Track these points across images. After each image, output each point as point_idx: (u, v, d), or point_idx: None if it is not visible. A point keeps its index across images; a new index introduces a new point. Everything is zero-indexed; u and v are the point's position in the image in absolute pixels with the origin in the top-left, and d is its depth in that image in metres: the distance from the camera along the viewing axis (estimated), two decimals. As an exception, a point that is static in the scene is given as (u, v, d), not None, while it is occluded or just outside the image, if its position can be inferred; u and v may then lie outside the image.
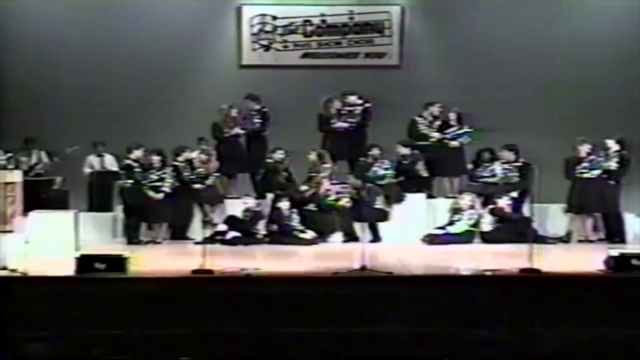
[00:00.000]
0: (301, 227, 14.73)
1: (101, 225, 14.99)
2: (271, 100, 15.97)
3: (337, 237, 14.86)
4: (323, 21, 17.29)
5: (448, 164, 15.70)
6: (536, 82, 16.79)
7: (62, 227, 13.57)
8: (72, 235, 13.52)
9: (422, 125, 15.77)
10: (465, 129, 15.63)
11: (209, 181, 15.07)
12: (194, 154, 15.19)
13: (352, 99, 15.90)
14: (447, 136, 15.69)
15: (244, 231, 14.67)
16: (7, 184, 14.22)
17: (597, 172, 14.71)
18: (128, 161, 14.91)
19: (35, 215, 13.89)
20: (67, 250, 12.77)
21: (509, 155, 15.25)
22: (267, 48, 17.30)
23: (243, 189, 15.65)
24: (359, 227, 14.48)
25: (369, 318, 10.54)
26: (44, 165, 15.93)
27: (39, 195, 15.20)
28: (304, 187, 15.14)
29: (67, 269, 11.70)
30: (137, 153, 14.92)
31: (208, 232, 14.02)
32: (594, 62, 16.77)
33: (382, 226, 14.89)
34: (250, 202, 14.99)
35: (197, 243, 13.93)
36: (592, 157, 14.78)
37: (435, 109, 15.83)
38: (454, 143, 15.66)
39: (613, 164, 14.77)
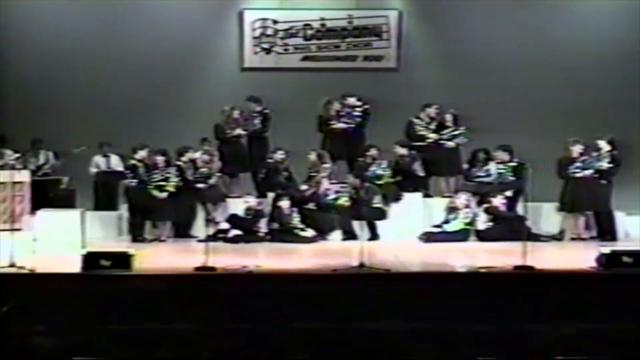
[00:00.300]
0: (301, 226, 14.73)
1: (107, 224, 15.00)
2: (272, 102, 15.98)
3: (337, 235, 14.86)
4: (322, 25, 17.29)
5: (444, 164, 15.70)
6: (530, 84, 16.78)
7: (68, 225, 13.60)
8: (78, 233, 13.56)
9: (419, 127, 15.78)
10: (461, 130, 15.64)
11: (211, 181, 15.09)
12: (197, 154, 15.20)
13: (351, 100, 15.91)
14: (444, 137, 15.70)
15: (245, 229, 14.67)
16: (15, 183, 14.24)
17: (589, 172, 14.72)
18: (133, 161, 14.92)
19: (43, 213, 13.92)
20: (74, 248, 12.80)
21: (504, 155, 15.25)
22: (268, 51, 17.30)
23: (245, 188, 15.65)
24: (357, 226, 14.48)
25: (367, 314, 10.56)
26: (51, 165, 15.94)
27: (47, 195, 15.23)
28: (304, 187, 15.15)
29: (74, 266, 11.72)
30: (142, 153, 14.92)
31: (211, 230, 14.03)
32: (586, 64, 16.75)
33: (380, 224, 14.89)
34: (252, 201, 14.99)
35: (200, 241, 13.96)
36: (584, 157, 14.79)
37: (431, 111, 15.84)
38: (450, 144, 15.67)
39: (604, 164, 14.78)
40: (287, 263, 12.69)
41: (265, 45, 17.29)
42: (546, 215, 15.04)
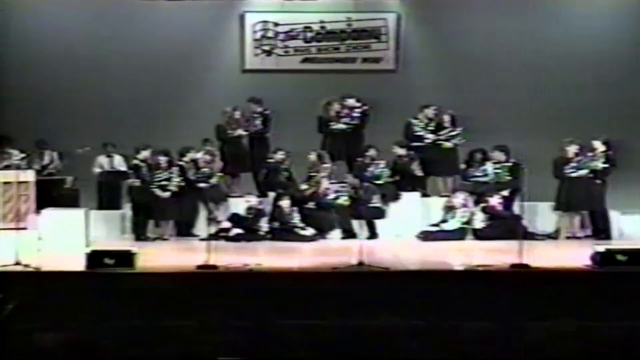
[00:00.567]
0: (301, 225, 14.73)
1: (110, 223, 14.99)
2: (273, 103, 15.97)
3: (336, 234, 14.86)
4: (322, 28, 17.28)
5: (442, 164, 15.71)
6: (526, 85, 16.78)
7: (73, 224, 13.61)
8: (82, 232, 13.56)
9: (417, 127, 15.78)
10: (458, 131, 15.64)
11: (213, 180, 15.08)
12: (199, 155, 15.20)
13: (351, 101, 15.91)
14: (441, 137, 15.70)
15: (246, 228, 14.67)
16: (21, 183, 14.25)
17: (584, 172, 14.72)
18: (136, 161, 14.93)
19: (48, 212, 13.92)
20: (78, 246, 12.82)
21: (500, 155, 15.26)
22: (269, 53, 17.30)
23: (246, 188, 15.65)
24: (356, 225, 14.49)
25: (366, 311, 10.55)
26: (55, 165, 15.94)
27: (51, 194, 15.23)
28: (304, 186, 15.14)
29: (78, 264, 11.74)
30: (145, 154, 14.94)
31: (212, 229, 14.03)
32: (581, 67, 16.75)
33: (378, 223, 14.89)
34: (253, 200, 14.99)
35: (202, 239, 13.95)
36: (579, 157, 14.78)
37: (429, 112, 15.84)
38: (448, 144, 15.68)
39: (599, 164, 14.79)
40: (287, 261, 12.68)
41: (266, 48, 17.28)
42: (542, 215, 15.04)
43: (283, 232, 14.63)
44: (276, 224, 14.76)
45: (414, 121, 15.80)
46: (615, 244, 13.13)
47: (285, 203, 14.79)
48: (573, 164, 14.74)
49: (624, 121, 16.22)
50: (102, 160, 15.83)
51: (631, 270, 11.67)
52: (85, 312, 10.45)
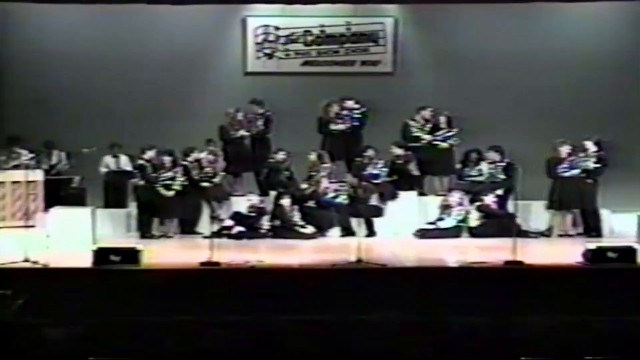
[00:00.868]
0: (302, 223, 14.73)
1: (116, 221, 14.99)
2: (274, 105, 15.97)
3: (335, 231, 14.86)
4: (322, 31, 17.29)
5: (438, 164, 15.70)
6: (520, 88, 16.78)
7: (80, 223, 13.61)
8: (89, 229, 13.56)
9: (414, 128, 15.78)
10: (454, 132, 15.66)
11: (216, 180, 15.10)
12: (202, 155, 15.20)
13: (350, 103, 15.90)
14: (438, 138, 15.71)
15: (248, 226, 14.67)
16: (29, 182, 14.29)
17: (576, 172, 14.73)
18: (141, 161, 14.94)
19: (56, 211, 13.93)
20: (85, 244, 12.82)
21: (495, 155, 15.26)
22: (270, 56, 17.31)
23: (248, 187, 15.65)
24: (355, 223, 14.49)
25: (364, 306, 10.58)
26: (63, 165, 15.97)
27: (59, 193, 15.26)
28: (304, 185, 15.15)
29: (85, 261, 11.76)
30: (150, 154, 14.94)
31: (215, 227, 14.02)
32: (573, 69, 16.76)
33: (377, 222, 14.90)
34: (255, 199, 15.00)
35: (205, 237, 13.94)
36: (571, 157, 14.80)
37: (426, 113, 15.83)
38: (444, 144, 15.68)
39: (591, 164, 14.80)
40: (288, 258, 12.70)
41: (268, 51, 17.30)
42: (535, 213, 15.03)
43: (284, 230, 14.64)
44: (277, 222, 14.76)
45: (411, 122, 15.80)
46: (606, 242, 13.15)
47: (286, 202, 14.80)
48: (565, 164, 14.76)
49: (615, 122, 16.22)
50: (109, 160, 15.84)
51: (621, 267, 11.72)
52: (92, 308, 10.48)
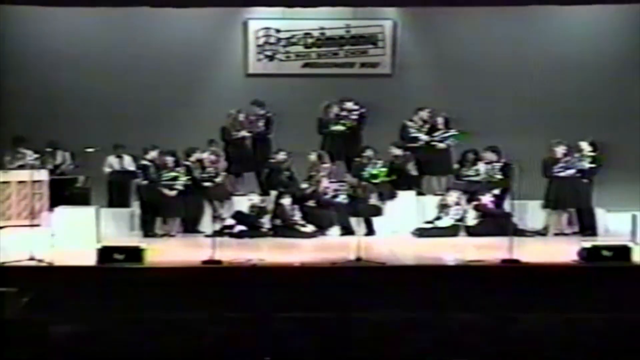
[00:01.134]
0: (302, 222, 14.75)
1: (120, 220, 15.00)
2: (275, 106, 15.99)
3: (335, 230, 14.87)
4: (322, 34, 17.30)
5: (436, 164, 15.73)
6: (516, 89, 16.79)
7: (84, 222, 13.62)
8: (93, 228, 13.56)
9: (412, 129, 15.79)
10: (452, 132, 15.66)
11: (218, 179, 15.10)
12: (204, 155, 15.21)
13: (349, 104, 15.92)
14: (435, 138, 15.72)
15: (250, 225, 14.68)
16: (35, 182, 14.28)
17: (571, 172, 14.74)
18: (144, 162, 14.94)
19: (61, 210, 13.94)
20: (89, 243, 12.82)
21: (492, 155, 15.28)
22: (271, 58, 17.31)
23: (249, 186, 15.66)
24: (354, 222, 14.50)
25: (364, 304, 10.57)
26: (67, 165, 15.96)
27: (64, 193, 15.25)
28: (304, 185, 15.16)
29: (89, 259, 11.77)
30: (153, 154, 14.95)
31: (217, 226, 14.06)
32: (568, 71, 16.78)
33: (376, 221, 14.91)
34: (256, 198, 15.01)
35: (207, 236, 13.98)
36: (567, 157, 14.81)
37: (424, 114, 15.85)
38: (442, 145, 15.69)
39: (586, 164, 14.82)
40: (288, 257, 12.70)
41: (269, 53, 17.30)
42: (531, 212, 15.06)
43: (284, 229, 14.65)
44: (278, 221, 14.77)
45: (409, 123, 15.82)
46: (601, 240, 13.16)
47: (286, 201, 14.81)
48: (561, 164, 14.77)
49: (609, 123, 16.23)
50: (113, 160, 15.84)
51: (616, 265, 11.73)
52: (96, 305, 10.48)
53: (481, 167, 15.32)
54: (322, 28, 17.28)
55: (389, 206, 15.16)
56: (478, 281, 11.35)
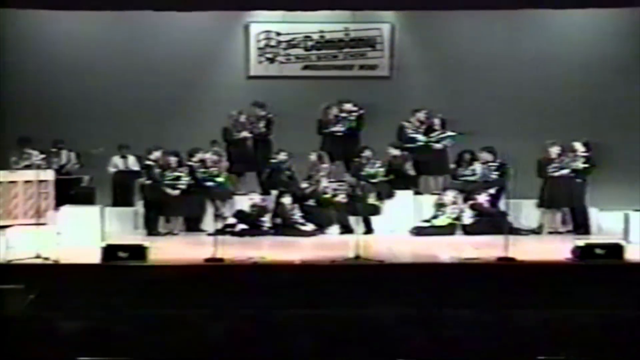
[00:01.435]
0: (302, 221, 14.74)
1: (124, 219, 14.99)
2: (275, 107, 15.98)
3: (334, 229, 14.87)
4: (322, 37, 17.30)
5: (433, 164, 15.72)
6: (511, 91, 16.78)
7: (89, 220, 13.63)
8: (98, 227, 13.58)
9: (409, 130, 15.79)
10: (448, 133, 15.66)
11: (220, 179, 15.10)
12: (206, 155, 15.20)
13: (348, 106, 15.91)
14: (432, 139, 15.71)
15: (251, 224, 14.68)
16: (41, 181, 14.28)
17: (565, 171, 14.74)
18: (148, 162, 14.94)
19: (66, 209, 13.94)
20: (94, 241, 12.84)
21: (488, 156, 15.27)
22: (272, 61, 17.31)
23: (250, 186, 15.66)
24: (353, 221, 14.49)
25: (362, 301, 10.58)
26: (72, 165, 15.96)
27: (69, 192, 15.25)
28: (304, 185, 15.16)
29: (94, 257, 11.77)
30: (156, 154, 14.94)
31: (219, 225, 14.05)
32: (563, 73, 16.76)
33: (374, 219, 14.91)
34: (257, 198, 15.01)
35: (209, 234, 13.97)
36: (561, 157, 14.81)
37: (421, 115, 15.84)
38: (438, 145, 15.69)
39: (580, 164, 14.81)
40: (289, 255, 12.70)
41: (269, 55, 17.30)
42: (526, 211, 15.04)
43: (285, 227, 14.64)
44: (278, 220, 14.77)
45: (406, 124, 15.81)
46: (594, 239, 13.15)
47: (287, 200, 14.80)
48: (555, 164, 14.77)
49: (602, 124, 16.24)
50: (117, 160, 15.84)
51: (608, 263, 11.73)
52: (100, 302, 10.48)
53: (477, 167, 15.31)
54: (321, 31, 17.28)
55: (387, 205, 15.15)
56: (474, 278, 11.35)
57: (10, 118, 16.18)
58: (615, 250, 11.92)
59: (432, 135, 15.72)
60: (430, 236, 14.36)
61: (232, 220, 14.72)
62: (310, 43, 17.32)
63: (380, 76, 17.27)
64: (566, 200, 14.82)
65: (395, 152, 15.47)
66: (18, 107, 16.35)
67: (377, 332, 9.96)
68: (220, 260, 11.73)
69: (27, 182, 14.58)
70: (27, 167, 15.03)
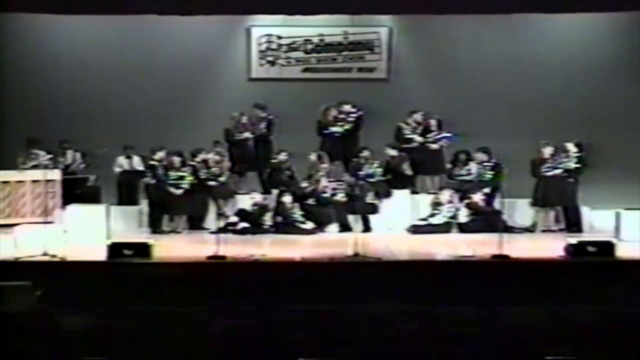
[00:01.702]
0: (302, 219, 14.74)
1: (129, 217, 14.99)
2: (276, 109, 15.98)
3: (333, 227, 14.87)
4: (321, 40, 17.30)
5: (429, 164, 15.72)
6: (506, 93, 16.77)
7: (95, 219, 13.63)
8: (103, 225, 13.57)
9: (406, 131, 15.80)
10: (444, 134, 15.67)
11: (222, 179, 15.11)
12: (209, 155, 15.21)
13: (347, 107, 15.92)
14: (429, 140, 15.72)
15: (252, 222, 14.68)
16: (48, 181, 14.29)
17: (558, 171, 14.75)
18: (152, 162, 14.95)
19: (72, 208, 13.95)
20: (100, 239, 12.83)
21: (483, 156, 15.28)
22: (272, 63, 17.31)
23: (252, 185, 15.66)
24: (352, 219, 14.50)
25: (360, 297, 10.56)
26: (77, 164, 15.97)
27: (76, 191, 15.26)
28: (304, 184, 15.16)
29: (100, 254, 11.77)
30: (160, 154, 14.95)
31: (221, 223, 14.05)
32: (556, 76, 16.78)
33: (372, 218, 14.91)
34: (258, 197, 15.01)
35: (212, 232, 13.96)
36: (554, 158, 14.82)
37: (418, 116, 15.86)
38: (435, 146, 15.69)
39: (572, 164, 14.83)
40: (289, 252, 12.71)
41: (270, 58, 17.30)
42: (520, 210, 15.05)
43: (285, 225, 14.65)
44: (279, 219, 14.77)
45: (403, 125, 15.82)
46: (586, 237, 13.19)
47: (287, 199, 14.81)
48: (548, 164, 14.78)
49: (594, 126, 16.24)
50: (122, 161, 15.84)
51: (600, 260, 11.73)
52: (106, 298, 10.47)
53: (473, 167, 15.31)
54: (321, 35, 17.28)
55: (384, 204, 15.16)
56: (469, 275, 11.34)
57: (17, 119, 16.18)
58: (607, 247, 11.93)
59: (428, 136, 15.73)
60: (427, 234, 14.37)
61: (234, 219, 14.72)
62: (310, 46, 17.32)
63: (378, 78, 17.27)
64: (559, 199, 14.83)
65: (393, 152, 15.48)
66: (24, 108, 16.36)
67: (376, 327, 9.97)
68: (223, 257, 11.74)
69: (34, 181, 14.61)
70: (35, 167, 15.04)
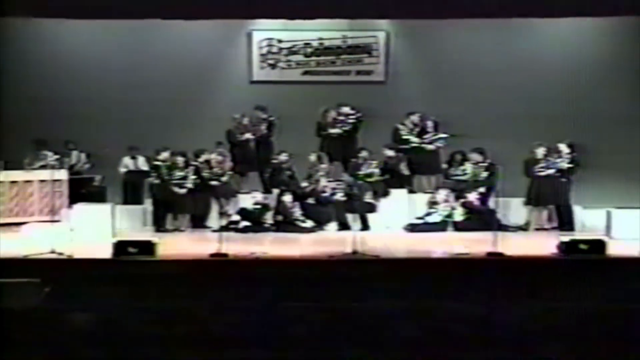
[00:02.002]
0: (302, 218, 14.74)
1: (134, 216, 14.98)
2: (277, 111, 15.98)
3: (333, 226, 14.87)
4: (321, 44, 17.30)
5: (426, 164, 15.72)
6: (500, 96, 16.78)
7: (101, 217, 13.64)
8: (109, 224, 13.59)
9: (403, 132, 15.79)
10: (440, 135, 15.66)
11: (224, 179, 15.10)
12: (212, 156, 15.20)
13: (345, 109, 15.91)
14: (425, 141, 15.71)
15: (253, 221, 14.67)
16: (55, 181, 14.29)
17: (551, 171, 14.74)
18: (156, 162, 14.93)
19: (79, 207, 13.97)
20: (105, 237, 12.84)
21: (478, 156, 15.26)
22: (273, 66, 17.31)
23: (253, 185, 15.65)
24: (351, 218, 14.50)
25: (359, 294, 10.56)
26: (82, 165, 15.98)
27: (82, 191, 15.26)
28: (304, 184, 15.15)
29: (105, 252, 11.76)
30: (164, 155, 14.93)
31: (223, 222, 14.04)
32: (550, 79, 16.76)
33: (370, 217, 14.90)
34: (259, 196, 15.01)
35: (214, 231, 13.94)
36: (547, 158, 14.81)
37: (415, 118, 15.84)
38: (431, 146, 15.69)
39: (565, 164, 14.82)
40: (289, 250, 12.72)
41: (271, 62, 17.30)
42: (514, 209, 15.03)
43: (286, 224, 14.64)
44: (280, 217, 14.77)
45: (400, 126, 15.81)
46: (578, 235, 13.20)
47: (287, 199, 14.80)
48: (541, 164, 14.77)
49: (586, 127, 16.22)
50: (127, 161, 15.84)
51: (591, 258, 11.73)
52: (111, 295, 10.46)
53: (468, 167, 15.30)
54: (320, 38, 17.28)
55: (382, 203, 15.15)
56: (465, 273, 11.34)
57: (24, 121, 16.17)
58: (598, 245, 11.94)
59: (425, 137, 15.72)
60: (424, 232, 14.36)
61: (235, 218, 14.72)
62: (309, 50, 17.32)
63: (376, 81, 17.27)
64: (552, 199, 14.82)
65: (390, 153, 15.47)
66: (31, 110, 16.36)
67: (374, 323, 9.96)
68: (225, 255, 11.73)
69: (42, 181, 14.62)
70: (42, 167, 15.05)
